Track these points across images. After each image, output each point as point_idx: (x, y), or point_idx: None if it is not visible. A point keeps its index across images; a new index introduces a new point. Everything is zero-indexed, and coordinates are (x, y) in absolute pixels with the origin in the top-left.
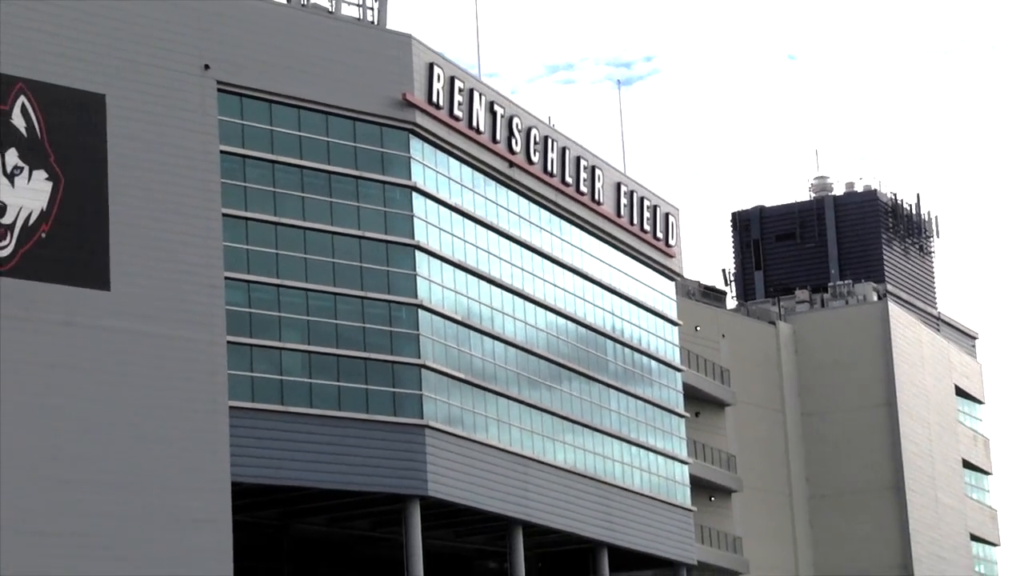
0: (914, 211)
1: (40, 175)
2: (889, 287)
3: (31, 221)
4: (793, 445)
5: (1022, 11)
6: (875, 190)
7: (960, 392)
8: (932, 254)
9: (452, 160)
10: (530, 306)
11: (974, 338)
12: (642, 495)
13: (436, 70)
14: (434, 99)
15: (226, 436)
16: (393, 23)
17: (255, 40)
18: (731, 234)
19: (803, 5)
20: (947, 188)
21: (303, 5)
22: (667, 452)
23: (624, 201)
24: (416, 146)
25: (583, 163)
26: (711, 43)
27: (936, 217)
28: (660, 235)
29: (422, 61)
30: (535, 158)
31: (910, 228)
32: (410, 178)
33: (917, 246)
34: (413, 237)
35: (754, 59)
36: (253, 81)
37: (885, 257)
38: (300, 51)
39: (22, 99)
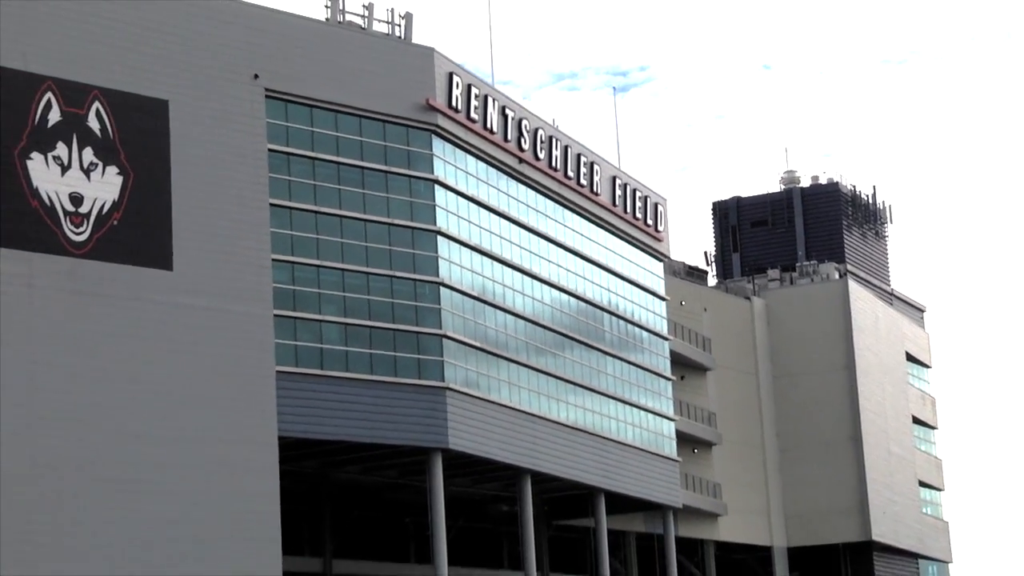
0: (871, 201)
1: (112, 170)
2: (849, 267)
3: (104, 210)
4: (765, 404)
5: (968, 29)
6: (837, 183)
7: (910, 358)
8: (886, 238)
9: (469, 157)
10: (537, 283)
11: (922, 311)
12: (634, 448)
13: (455, 78)
14: (454, 104)
15: (273, 396)
16: (417, 38)
17: (298, 53)
18: (712, 221)
19: (778, 22)
20: (899, 181)
21: (340, 22)
22: (656, 410)
23: (619, 192)
24: (438, 145)
25: (583, 159)
26: (698, 55)
27: (890, 206)
28: (650, 222)
29: (443, 71)
30: (541, 155)
31: (867, 215)
32: (433, 172)
33: (873, 231)
34: (435, 224)
35: (734, 69)
36: (297, 88)
37: (845, 241)
38: (337, 62)
39: (96, 104)
